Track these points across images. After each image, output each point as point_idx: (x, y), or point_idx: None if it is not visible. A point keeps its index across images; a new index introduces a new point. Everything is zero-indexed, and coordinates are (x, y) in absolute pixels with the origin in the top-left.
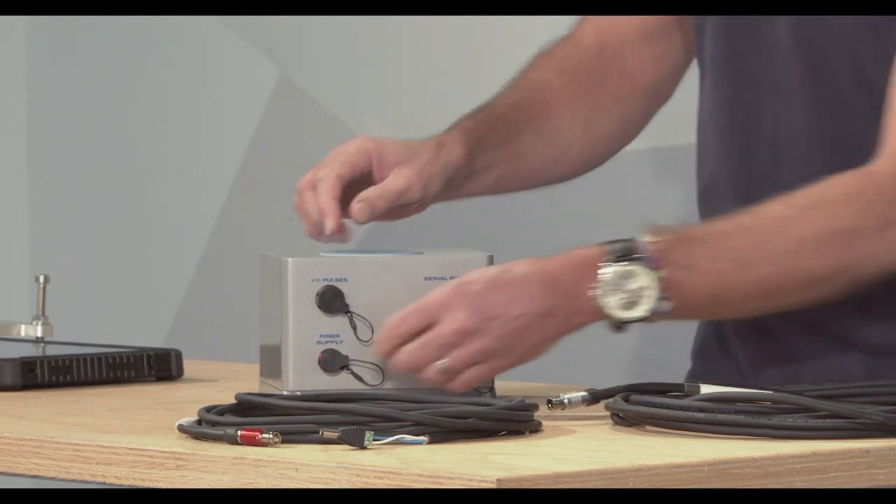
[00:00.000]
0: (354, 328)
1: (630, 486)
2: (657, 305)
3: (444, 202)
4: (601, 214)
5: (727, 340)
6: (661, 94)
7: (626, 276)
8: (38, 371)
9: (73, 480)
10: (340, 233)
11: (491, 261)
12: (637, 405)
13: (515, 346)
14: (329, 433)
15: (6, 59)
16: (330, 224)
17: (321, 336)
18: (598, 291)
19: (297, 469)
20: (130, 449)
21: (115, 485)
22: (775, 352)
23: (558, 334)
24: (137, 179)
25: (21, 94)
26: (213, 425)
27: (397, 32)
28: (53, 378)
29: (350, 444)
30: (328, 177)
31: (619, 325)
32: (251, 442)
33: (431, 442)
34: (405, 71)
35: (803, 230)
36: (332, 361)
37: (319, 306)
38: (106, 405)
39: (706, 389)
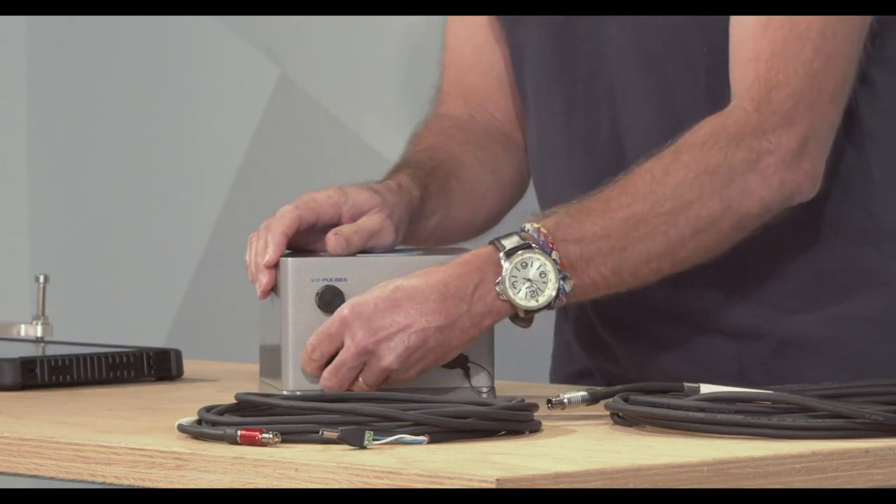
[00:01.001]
0: None
1: (630, 486)
2: (560, 286)
3: None
4: None
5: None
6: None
7: (524, 265)
8: (38, 371)
9: (72, 480)
10: (269, 275)
11: None
12: (637, 405)
13: (419, 359)
14: (329, 433)
15: (6, 59)
16: (269, 254)
17: None
18: (500, 288)
19: (296, 469)
20: (130, 449)
21: (115, 485)
22: (644, 343)
23: (466, 340)
24: (137, 179)
25: (21, 94)
26: (213, 425)
27: (397, 33)
28: (53, 378)
29: (350, 443)
30: (286, 213)
31: (527, 317)
32: (251, 442)
33: (431, 442)
34: (405, 71)
35: (679, 175)
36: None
37: (319, 306)
38: (106, 405)
39: (706, 389)
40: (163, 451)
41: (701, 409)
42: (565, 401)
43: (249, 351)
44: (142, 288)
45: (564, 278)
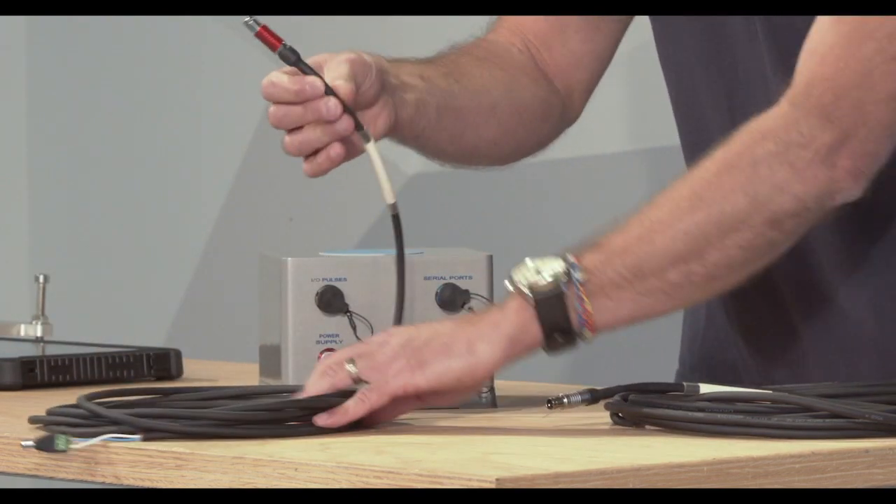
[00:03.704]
0: (354, 328)
1: (630, 486)
2: (567, 271)
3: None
4: (602, 215)
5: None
6: (574, 100)
7: (538, 271)
8: (38, 371)
9: (72, 480)
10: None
11: (490, 261)
12: (637, 405)
13: (417, 359)
14: (27, 444)
15: (6, 59)
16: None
17: (321, 336)
18: (514, 286)
19: (296, 469)
20: (130, 449)
21: (115, 485)
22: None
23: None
24: (137, 179)
25: (21, 94)
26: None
27: (397, 33)
28: (53, 378)
29: (46, 450)
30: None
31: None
32: None
33: (146, 440)
34: None
35: (696, 174)
36: None
37: (319, 306)
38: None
39: (706, 389)
40: (163, 451)
41: (701, 409)
42: (565, 401)
43: (249, 351)
44: (142, 288)
45: (574, 267)
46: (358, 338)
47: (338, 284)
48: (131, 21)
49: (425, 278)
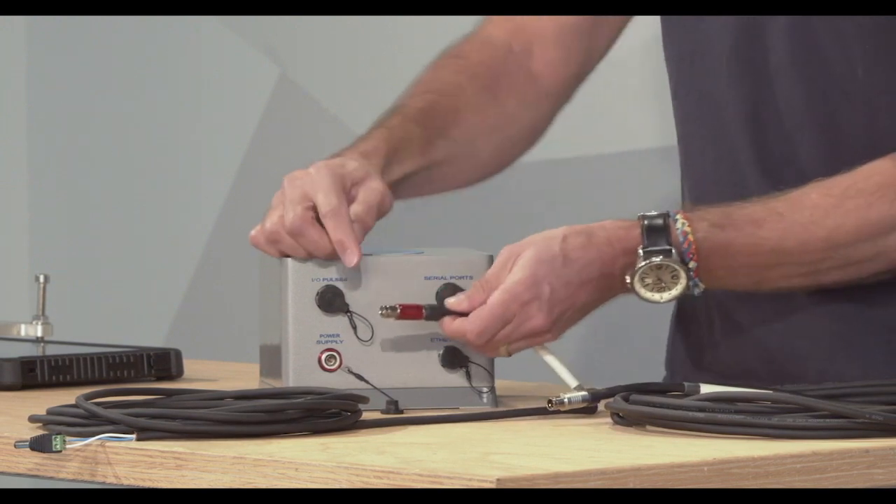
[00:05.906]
0: (354, 328)
1: (630, 486)
2: (689, 289)
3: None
4: (601, 214)
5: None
6: (563, 97)
7: (660, 266)
8: (38, 371)
9: (72, 480)
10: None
11: (491, 261)
12: (637, 405)
13: (562, 330)
14: (20, 445)
15: (6, 59)
16: (356, 257)
17: (321, 336)
18: (630, 278)
19: (296, 469)
20: (130, 449)
21: (115, 485)
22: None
23: (590, 312)
24: (137, 179)
25: (21, 94)
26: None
27: (397, 32)
28: (53, 378)
29: (40, 451)
30: (339, 211)
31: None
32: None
33: (141, 439)
34: (405, 71)
35: (838, 220)
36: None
37: (319, 306)
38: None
39: (706, 389)
40: (163, 451)
41: (701, 409)
42: (565, 401)
43: (249, 351)
44: (142, 288)
45: (696, 284)
46: (358, 338)
47: (338, 284)
48: (131, 21)
49: (425, 278)
